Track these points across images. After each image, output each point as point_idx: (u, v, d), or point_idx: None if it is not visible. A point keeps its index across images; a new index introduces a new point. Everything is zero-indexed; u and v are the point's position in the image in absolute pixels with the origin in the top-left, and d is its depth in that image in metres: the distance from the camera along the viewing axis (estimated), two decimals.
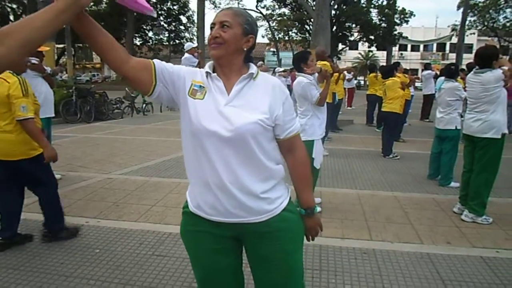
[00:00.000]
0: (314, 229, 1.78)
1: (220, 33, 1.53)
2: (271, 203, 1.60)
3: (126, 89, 13.82)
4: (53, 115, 5.66)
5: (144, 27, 41.11)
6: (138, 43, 41.40)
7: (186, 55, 9.63)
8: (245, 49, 1.59)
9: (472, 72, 4.47)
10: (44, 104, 5.30)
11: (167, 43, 41.40)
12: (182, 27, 41.72)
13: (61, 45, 28.99)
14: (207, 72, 1.60)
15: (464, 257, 3.43)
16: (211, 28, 1.58)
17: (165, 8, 40.48)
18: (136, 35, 39.71)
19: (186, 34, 41.60)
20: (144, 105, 13.64)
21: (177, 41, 40.50)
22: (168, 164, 6.52)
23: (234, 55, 1.58)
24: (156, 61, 1.60)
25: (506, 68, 4.34)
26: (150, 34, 42.21)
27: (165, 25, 41.34)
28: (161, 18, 41.42)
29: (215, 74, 1.59)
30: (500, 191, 5.09)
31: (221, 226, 1.61)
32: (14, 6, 36.73)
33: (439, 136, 5.83)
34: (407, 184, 5.76)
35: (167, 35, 41.29)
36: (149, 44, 42.06)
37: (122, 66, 1.54)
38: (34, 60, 5.27)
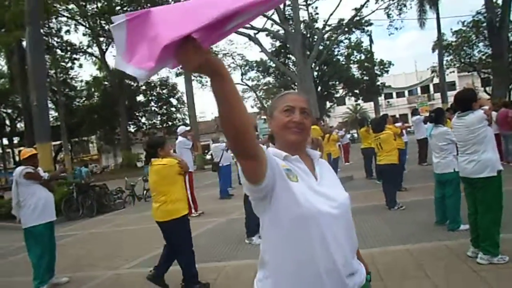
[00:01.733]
0: None
1: (304, 121, 1.57)
2: (360, 276, 1.58)
3: (126, 178, 13.96)
4: (54, 219, 5.63)
5: (137, 113, 42.22)
6: (133, 130, 42.28)
7: (180, 138, 9.77)
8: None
9: (455, 116, 4.62)
10: (45, 209, 5.35)
11: (160, 126, 42.33)
12: (173, 109, 42.86)
13: (58, 142, 29.53)
14: (285, 156, 1.55)
15: None
16: (286, 111, 1.57)
17: (155, 93, 41.83)
18: (130, 122, 40.66)
19: (178, 115, 42.66)
20: (145, 191, 13.69)
21: (170, 123, 41.41)
22: None
23: (306, 141, 1.67)
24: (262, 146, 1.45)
25: (487, 107, 4.50)
26: (143, 120, 43.24)
27: (157, 109, 42.47)
28: (152, 103, 42.69)
29: (295, 156, 1.57)
30: (509, 226, 5.04)
31: None
32: (9, 110, 37.98)
33: (439, 181, 5.88)
34: (417, 234, 5.70)
35: (159, 118, 42.31)
36: (143, 129, 42.96)
37: (247, 138, 1.30)
38: (29, 169, 5.34)
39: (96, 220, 11.17)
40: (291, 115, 1.56)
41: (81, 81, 39.01)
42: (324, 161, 1.74)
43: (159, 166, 4.50)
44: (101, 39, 34.90)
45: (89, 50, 36.35)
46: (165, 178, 4.51)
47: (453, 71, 39.09)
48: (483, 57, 34.51)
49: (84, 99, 40.43)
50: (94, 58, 37.98)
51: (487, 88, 32.35)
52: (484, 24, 24.08)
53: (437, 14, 27.43)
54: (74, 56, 34.91)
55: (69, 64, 34.92)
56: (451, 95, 5.62)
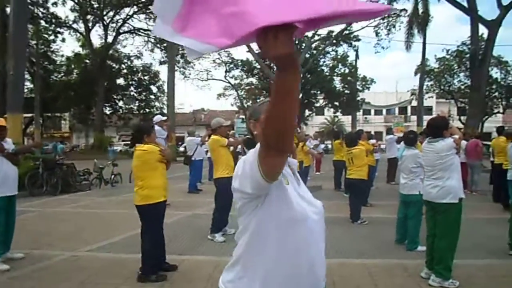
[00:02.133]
0: None
1: None
2: (325, 281, 1.64)
3: (95, 160, 13.73)
4: (15, 193, 5.46)
5: (115, 96, 41.55)
6: (108, 112, 41.58)
7: (156, 127, 9.67)
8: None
9: (425, 141, 4.77)
10: (4, 182, 5.19)
11: (137, 112, 41.78)
12: (152, 96, 42.39)
13: (29, 115, 28.78)
14: None
15: None
16: None
17: (136, 78, 41.30)
18: (106, 104, 39.98)
19: (156, 103, 42.23)
20: (112, 176, 13.50)
21: (147, 110, 40.94)
22: (136, 238, 6.25)
23: None
24: None
25: (457, 136, 4.66)
26: (121, 103, 42.59)
27: (136, 95, 41.93)
28: (132, 88, 42.10)
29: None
30: (464, 253, 5.20)
31: None
32: None
33: (404, 201, 6.05)
34: (376, 250, 5.84)
35: (137, 104, 41.78)
36: (119, 113, 42.30)
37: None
38: None
39: (59, 198, 10.95)
40: None
41: (62, 56, 38.06)
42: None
43: (140, 151, 4.59)
44: (89, 16, 34.23)
45: (75, 25, 35.61)
46: (144, 163, 4.60)
47: (432, 96, 40.14)
48: (462, 87, 35.62)
49: (62, 74, 39.47)
50: (78, 34, 37.21)
51: (462, 117, 33.34)
52: (467, 55, 24.78)
53: (424, 39, 28.10)
54: (58, 29, 34.12)
55: (52, 37, 34.11)
56: (427, 119, 5.81)
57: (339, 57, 36.71)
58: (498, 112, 38.47)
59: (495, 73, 34.82)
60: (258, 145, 1.41)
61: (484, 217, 8.09)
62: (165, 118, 10.89)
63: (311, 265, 1.53)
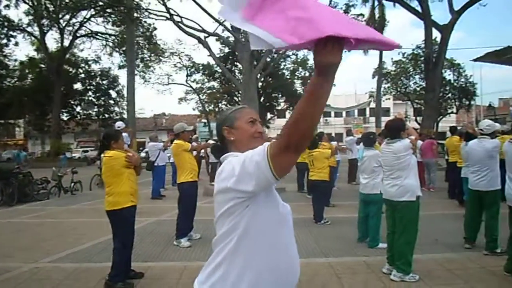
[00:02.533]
0: None
1: (262, 129, 1.78)
2: None
3: (53, 168, 13.31)
4: None
5: (72, 102, 40.34)
6: (65, 118, 40.32)
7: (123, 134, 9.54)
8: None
9: (384, 142, 4.96)
10: None
11: (95, 117, 40.73)
12: (111, 101, 41.45)
13: None
14: None
15: None
16: (251, 122, 1.75)
17: (94, 83, 40.28)
18: (63, 110, 38.75)
19: (116, 108, 41.31)
20: (72, 184, 13.13)
21: (106, 115, 39.99)
22: (100, 247, 6.26)
23: None
24: None
25: (413, 137, 4.88)
26: (78, 109, 41.40)
27: (94, 100, 40.87)
28: (90, 93, 41.01)
29: None
30: (423, 248, 5.45)
31: None
32: None
33: (364, 201, 6.24)
34: (339, 249, 6.00)
35: (96, 109, 40.75)
36: (77, 118, 41.10)
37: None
38: None
39: (16, 209, 10.54)
40: (255, 126, 1.74)
41: (15, 60, 36.59)
42: None
43: (106, 158, 4.62)
44: (44, 20, 33.08)
45: (29, 29, 34.29)
46: (110, 169, 4.62)
47: (389, 98, 41.47)
48: (418, 89, 36.96)
49: (16, 79, 37.94)
50: (32, 38, 35.88)
51: (418, 118, 34.56)
52: (422, 58, 25.72)
53: None
54: (11, 33, 32.78)
55: (4, 41, 32.73)
56: (385, 120, 6.06)
57: (299, 60, 37.20)
58: (452, 112, 40.16)
59: (448, 75, 36.34)
60: (264, 145, 1.47)
61: (441, 212, 8.46)
62: (124, 125, 10.72)
63: (292, 264, 1.65)
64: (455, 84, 36.95)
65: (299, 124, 1.32)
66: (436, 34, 21.86)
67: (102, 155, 4.74)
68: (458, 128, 10.97)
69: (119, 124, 9.92)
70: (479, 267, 4.99)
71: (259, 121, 1.79)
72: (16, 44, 34.04)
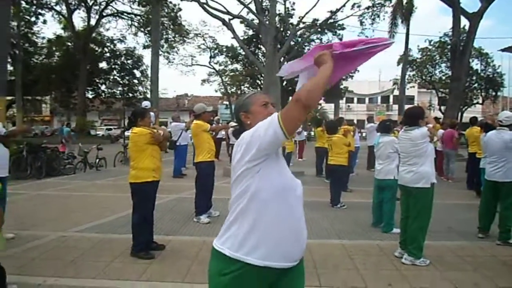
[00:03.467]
0: None
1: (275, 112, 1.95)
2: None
3: (79, 144, 13.75)
4: (6, 175, 5.61)
5: (97, 80, 41.05)
6: (90, 96, 41.09)
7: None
8: None
9: (402, 129, 5.05)
10: None
11: (120, 96, 41.37)
12: (135, 81, 41.98)
13: (9, 97, 28.24)
14: None
15: None
16: (264, 105, 2.00)
17: (119, 62, 40.82)
18: (89, 88, 39.50)
19: (140, 88, 41.84)
20: (97, 160, 13.55)
21: (130, 95, 40.57)
22: (123, 220, 6.54)
23: None
24: None
25: (431, 125, 4.95)
26: (103, 87, 42.11)
27: (119, 79, 41.45)
28: (115, 72, 41.61)
29: None
30: (435, 235, 5.56)
31: (277, 272, 1.85)
32: None
33: (379, 186, 6.36)
34: (354, 232, 6.15)
35: (120, 88, 41.35)
36: (101, 97, 41.85)
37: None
38: None
39: (45, 182, 11.00)
40: (268, 109, 1.96)
41: (43, 38, 37.35)
42: None
43: (132, 134, 4.93)
44: (70, 0, 33.52)
45: (56, 7, 34.88)
46: (134, 145, 4.92)
47: (414, 86, 40.76)
48: (443, 78, 36.25)
49: (43, 57, 38.76)
50: (60, 17, 36.49)
51: (442, 107, 34.02)
52: (449, 47, 25.21)
53: (407, 29, 28.45)
54: (39, 11, 33.42)
55: (33, 19, 33.41)
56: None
57: (323, 44, 36.88)
58: (478, 103, 39.33)
59: (476, 64, 35.56)
60: (272, 116, 1.79)
61: (457, 202, 8.50)
62: (149, 104, 10.96)
63: (298, 232, 1.86)
64: (482, 74, 36.12)
65: (322, 88, 1.81)
66: (464, 22, 21.38)
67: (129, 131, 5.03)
68: (480, 119, 10.87)
69: (146, 103, 10.18)
70: (490, 256, 5.07)
71: (272, 103, 1.99)
72: (44, 22, 34.92)
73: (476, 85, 36.87)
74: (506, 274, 4.49)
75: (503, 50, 14.50)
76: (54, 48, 38.96)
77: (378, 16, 27.22)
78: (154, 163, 4.93)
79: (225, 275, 1.82)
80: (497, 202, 5.77)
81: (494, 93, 37.15)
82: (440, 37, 32.97)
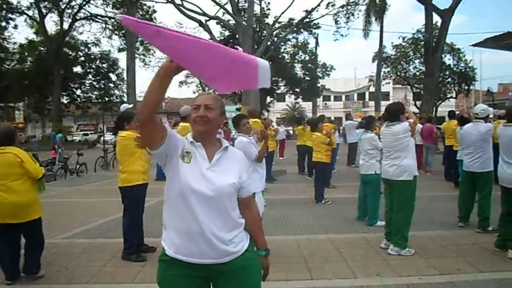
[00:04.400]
0: (268, 269, 2.19)
1: (206, 114, 1.97)
2: (235, 247, 2.00)
3: (59, 150, 13.58)
4: None
5: (72, 85, 40.33)
6: (65, 101, 40.36)
7: None
8: (221, 126, 2.14)
9: (384, 125, 5.22)
10: None
11: (95, 100, 40.76)
12: (111, 85, 41.40)
13: None
14: (191, 141, 2.02)
15: (391, 286, 3.94)
16: (195, 109, 2.01)
17: (94, 66, 40.20)
18: (63, 93, 38.79)
19: (116, 92, 41.29)
20: (78, 165, 13.40)
21: (106, 99, 40.01)
22: (110, 224, 6.56)
23: (213, 131, 2.07)
24: (167, 126, 2.00)
25: (412, 120, 5.13)
26: (78, 92, 41.40)
27: (94, 83, 40.81)
28: (90, 76, 40.95)
29: (199, 143, 2.02)
30: (419, 226, 5.76)
31: (196, 267, 1.95)
32: None
33: (362, 180, 6.55)
34: (340, 226, 6.31)
35: (96, 93, 40.74)
36: (77, 102, 41.15)
37: (153, 114, 1.84)
38: None
39: None
40: (198, 111, 2.00)
41: (14, 43, 36.52)
42: (236, 151, 2.19)
43: (120, 138, 4.93)
44: (42, 4, 32.86)
45: (28, 12, 34.13)
46: (123, 149, 4.93)
47: (389, 83, 41.41)
48: (417, 73, 36.96)
49: (15, 62, 37.88)
50: (31, 21, 35.71)
51: (417, 102, 34.72)
52: (422, 43, 25.78)
53: (381, 27, 29.05)
54: (10, 15, 32.68)
55: (3, 24, 32.63)
56: (384, 104, 6.30)
57: (299, 44, 37.12)
58: (451, 97, 40.23)
59: (448, 59, 36.30)
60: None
61: (437, 194, 8.76)
62: (131, 106, 10.89)
63: (200, 229, 1.91)
64: (455, 69, 36.92)
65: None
66: (436, 19, 21.93)
67: (116, 135, 5.06)
68: (457, 113, 11.22)
69: (124, 106, 10.08)
70: (471, 243, 5.30)
71: (206, 105, 2.00)
72: (15, 27, 34.03)
73: (449, 79, 37.66)
74: (486, 259, 4.70)
75: (474, 45, 14.89)
76: (26, 54, 38.07)
77: (353, 15, 27.70)
78: (143, 166, 4.96)
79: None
80: (475, 192, 6.01)
81: (466, 87, 38.03)
82: (413, 34, 33.58)
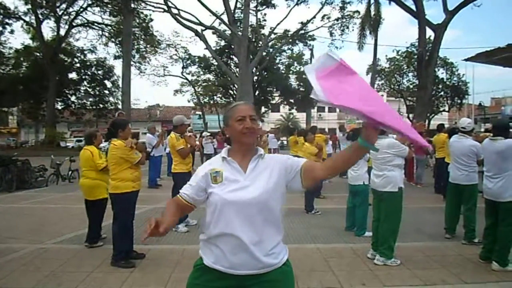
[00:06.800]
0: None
1: (253, 126, 2.03)
2: (275, 258, 2.02)
3: (52, 156, 13.56)
4: None
5: (67, 91, 40.26)
6: (60, 107, 40.27)
7: None
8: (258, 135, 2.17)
9: None
10: None
11: (90, 107, 40.70)
12: (106, 92, 41.40)
13: None
14: (223, 157, 2.08)
15: None
16: (240, 120, 2.03)
17: (89, 72, 40.22)
18: (58, 99, 38.72)
19: (111, 99, 41.29)
20: (70, 172, 13.39)
21: (101, 106, 39.98)
22: (102, 231, 6.56)
23: (256, 141, 2.12)
24: (183, 193, 2.17)
25: (406, 150, 5.21)
26: (73, 98, 41.35)
27: (89, 90, 40.80)
28: (85, 82, 40.94)
29: (230, 158, 2.06)
30: (405, 237, 5.84)
31: (231, 277, 1.97)
32: None
33: (351, 191, 6.63)
34: (328, 236, 6.38)
35: (91, 99, 40.71)
36: (71, 108, 41.08)
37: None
38: None
39: (16, 195, 10.82)
40: (244, 123, 2.02)
41: (10, 48, 36.48)
42: (270, 157, 2.15)
43: (111, 146, 4.96)
44: (40, 10, 32.93)
45: (25, 17, 34.17)
46: (112, 157, 4.95)
47: (382, 95, 41.73)
48: (411, 86, 37.35)
49: (10, 67, 37.80)
50: (28, 26, 35.74)
51: (410, 115, 35.01)
52: (416, 56, 26.07)
53: (375, 40, 29.36)
54: (6, 20, 32.71)
55: (0, 28, 32.64)
56: None
57: (294, 55, 37.43)
58: (444, 110, 40.63)
59: (441, 73, 36.74)
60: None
61: (425, 206, 8.86)
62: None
63: (242, 241, 1.94)
64: (448, 82, 37.36)
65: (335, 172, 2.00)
66: (430, 33, 22.20)
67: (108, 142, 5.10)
68: (447, 126, 11.36)
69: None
70: (457, 255, 5.38)
71: (250, 116, 2.04)
72: (12, 32, 33.99)
73: (442, 93, 38.08)
74: (471, 270, 4.79)
75: (466, 59, 15.07)
76: (22, 59, 38.00)
77: (347, 27, 28.06)
78: (132, 174, 5.01)
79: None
80: (461, 204, 6.11)
81: (459, 101, 38.45)
82: (407, 47, 34.07)
